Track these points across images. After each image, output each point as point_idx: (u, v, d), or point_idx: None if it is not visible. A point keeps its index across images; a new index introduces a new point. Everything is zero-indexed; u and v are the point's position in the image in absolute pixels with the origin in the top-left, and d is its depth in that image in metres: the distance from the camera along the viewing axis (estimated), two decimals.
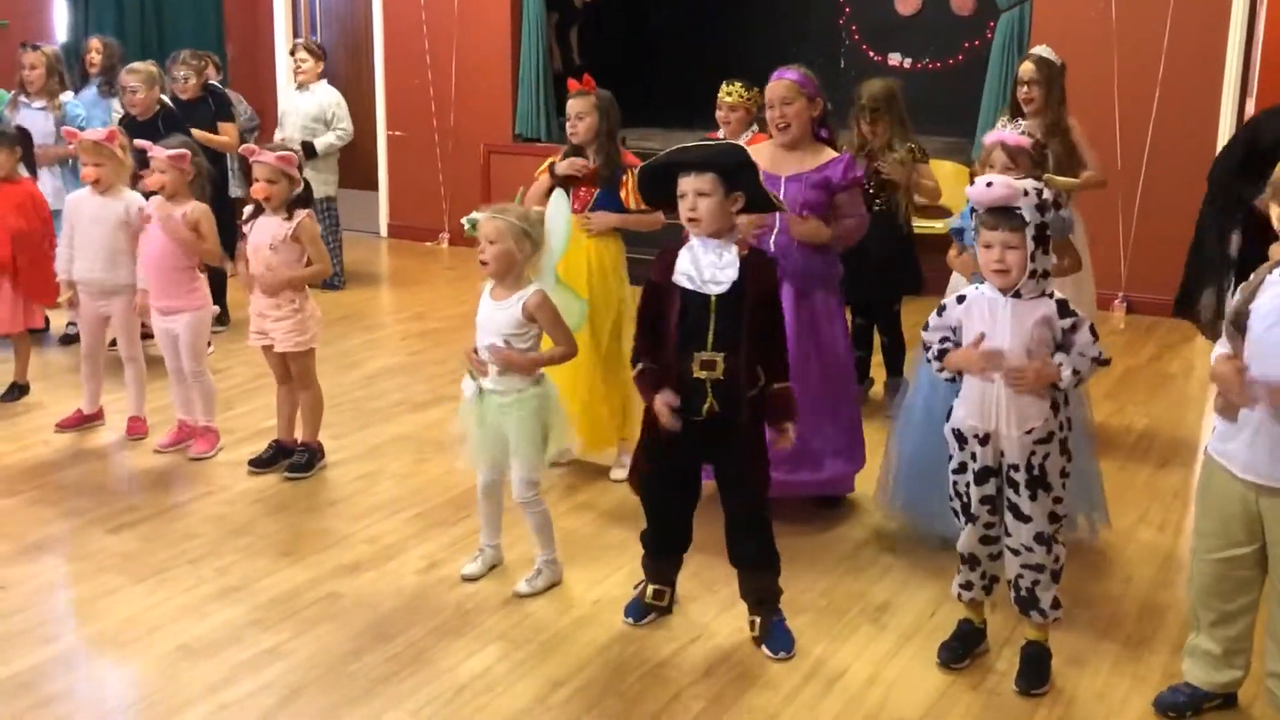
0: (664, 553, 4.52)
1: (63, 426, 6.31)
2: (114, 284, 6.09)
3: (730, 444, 4.19)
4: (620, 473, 5.80)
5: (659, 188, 4.20)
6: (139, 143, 5.95)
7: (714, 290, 4.06)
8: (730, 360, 4.07)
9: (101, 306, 6.15)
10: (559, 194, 4.81)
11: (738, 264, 4.06)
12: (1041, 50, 6.32)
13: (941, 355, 4.04)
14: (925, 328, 4.11)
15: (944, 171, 8.45)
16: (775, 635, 4.35)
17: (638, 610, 4.54)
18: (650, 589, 4.55)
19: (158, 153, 5.79)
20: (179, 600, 4.64)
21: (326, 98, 9.16)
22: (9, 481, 5.71)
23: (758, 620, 4.39)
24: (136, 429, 6.26)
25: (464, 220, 4.60)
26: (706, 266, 4.08)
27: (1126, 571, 5.02)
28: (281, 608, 4.58)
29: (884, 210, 6.49)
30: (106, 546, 5.09)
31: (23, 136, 6.84)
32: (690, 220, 4.08)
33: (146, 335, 7.54)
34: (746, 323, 4.05)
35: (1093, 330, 3.89)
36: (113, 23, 10.14)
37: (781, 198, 4.78)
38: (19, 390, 6.80)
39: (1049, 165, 4.90)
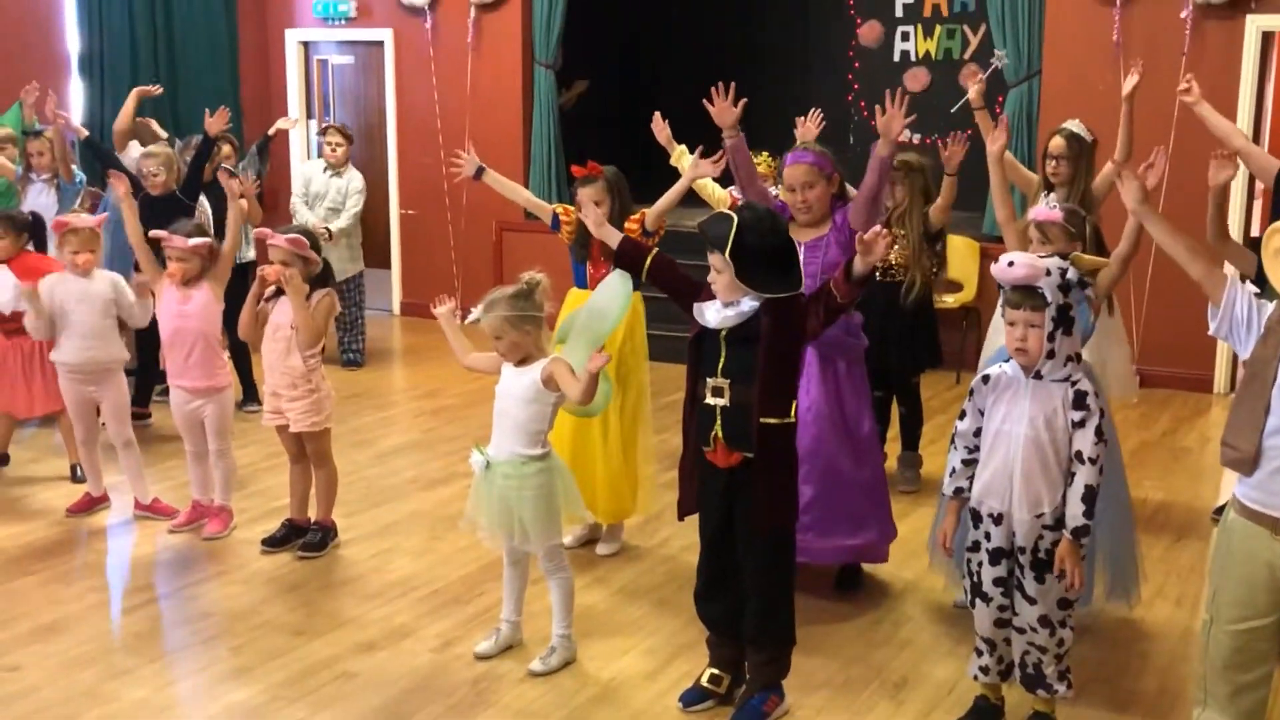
0: (711, 624, 4.46)
1: (73, 511, 6.27)
2: (110, 359, 6.10)
3: (748, 495, 4.15)
4: (606, 548, 5.88)
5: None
6: (155, 233, 5.91)
7: (711, 324, 4.11)
8: (739, 390, 4.08)
9: (91, 391, 6.11)
10: (619, 278, 4.67)
11: (749, 313, 4.06)
12: (1073, 125, 6.31)
13: (956, 491, 4.11)
14: (961, 416, 4.12)
15: (954, 245, 8.49)
16: (743, 711, 4.32)
17: (692, 695, 4.46)
18: (706, 673, 4.49)
19: (179, 243, 5.82)
20: (193, 680, 4.63)
21: (355, 182, 9.40)
22: (23, 561, 5.70)
23: (743, 689, 4.38)
24: (163, 509, 6.24)
25: (469, 323, 4.68)
26: (716, 310, 4.12)
27: (1144, 646, 4.98)
28: (296, 687, 4.56)
29: (901, 283, 6.53)
30: (120, 626, 5.08)
31: (34, 222, 6.88)
32: (711, 286, 4.13)
33: (139, 416, 7.63)
34: (763, 352, 4.04)
35: (1099, 431, 3.88)
36: None
37: (801, 262, 4.83)
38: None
39: (1087, 235, 4.89)
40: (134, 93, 8.66)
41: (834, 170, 5.20)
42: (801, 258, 5.04)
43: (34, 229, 6.83)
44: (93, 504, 6.32)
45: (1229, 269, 3.75)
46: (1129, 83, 6.30)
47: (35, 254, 6.73)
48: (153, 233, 5.95)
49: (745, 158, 5.31)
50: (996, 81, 6.62)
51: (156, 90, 8.82)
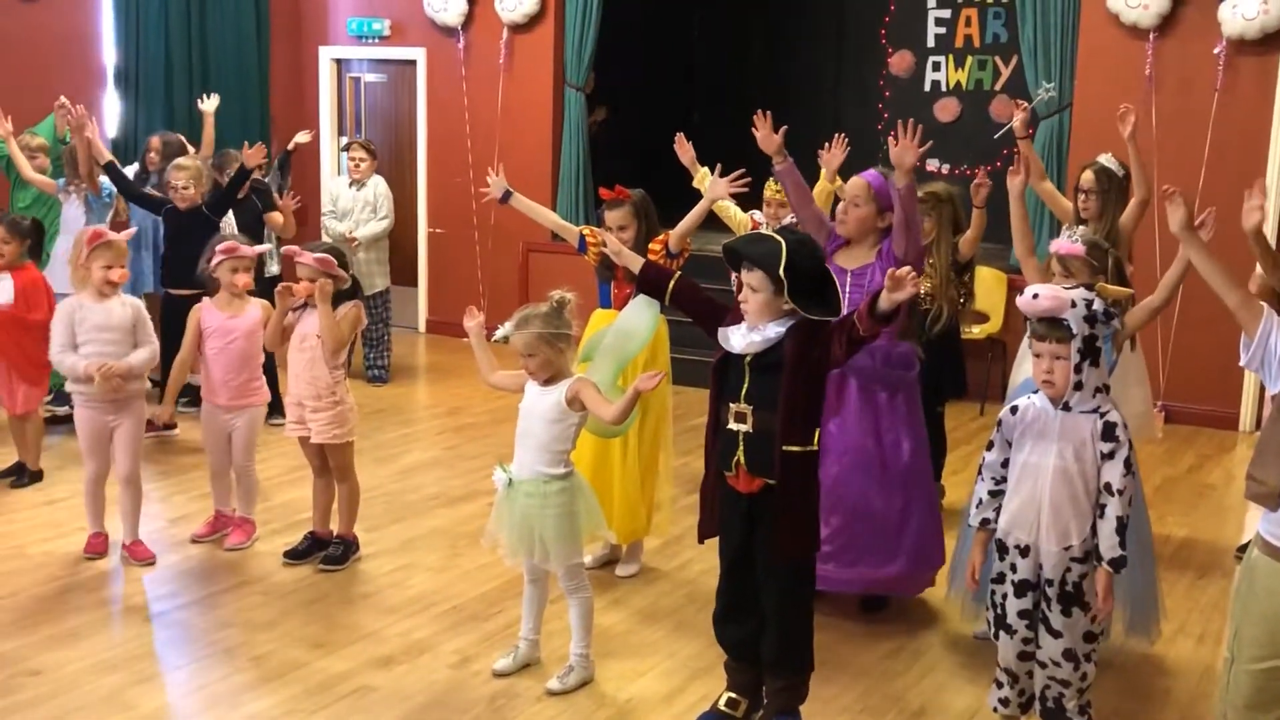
0: (729, 648, 4.44)
1: (89, 553, 5.90)
2: (131, 388, 5.80)
3: (769, 521, 4.14)
4: (626, 570, 5.88)
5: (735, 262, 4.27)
6: (288, 250, 5.77)
7: (735, 348, 4.09)
8: (762, 416, 4.07)
9: (109, 421, 5.79)
10: (645, 300, 4.73)
11: (774, 339, 4.05)
12: (1104, 159, 6.31)
13: (983, 522, 4.10)
14: (988, 447, 4.10)
15: (982, 276, 8.48)
16: None
17: (709, 719, 4.44)
18: (724, 696, 4.47)
19: (247, 252, 5.86)
20: (212, 689, 4.64)
21: (380, 189, 9.50)
22: (46, 568, 5.73)
23: (760, 714, 4.37)
24: (142, 554, 5.86)
25: (496, 340, 4.68)
26: (741, 335, 4.11)
27: (1165, 683, 4.95)
28: (314, 699, 4.57)
29: (929, 311, 6.51)
30: (141, 634, 5.10)
31: (35, 229, 6.89)
32: (742, 306, 4.12)
33: (166, 427, 7.72)
34: (787, 378, 4.03)
35: (1128, 463, 3.88)
36: (161, 119, 10.33)
37: (845, 290, 4.82)
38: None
39: (1109, 267, 4.88)
40: (207, 114, 8.86)
41: (887, 204, 5.15)
42: (847, 284, 5.06)
43: (37, 235, 6.85)
44: (105, 545, 5.94)
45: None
46: (1125, 126, 6.27)
47: (32, 268, 6.79)
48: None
49: (797, 182, 5.30)
50: (1031, 113, 6.64)
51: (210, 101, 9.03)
